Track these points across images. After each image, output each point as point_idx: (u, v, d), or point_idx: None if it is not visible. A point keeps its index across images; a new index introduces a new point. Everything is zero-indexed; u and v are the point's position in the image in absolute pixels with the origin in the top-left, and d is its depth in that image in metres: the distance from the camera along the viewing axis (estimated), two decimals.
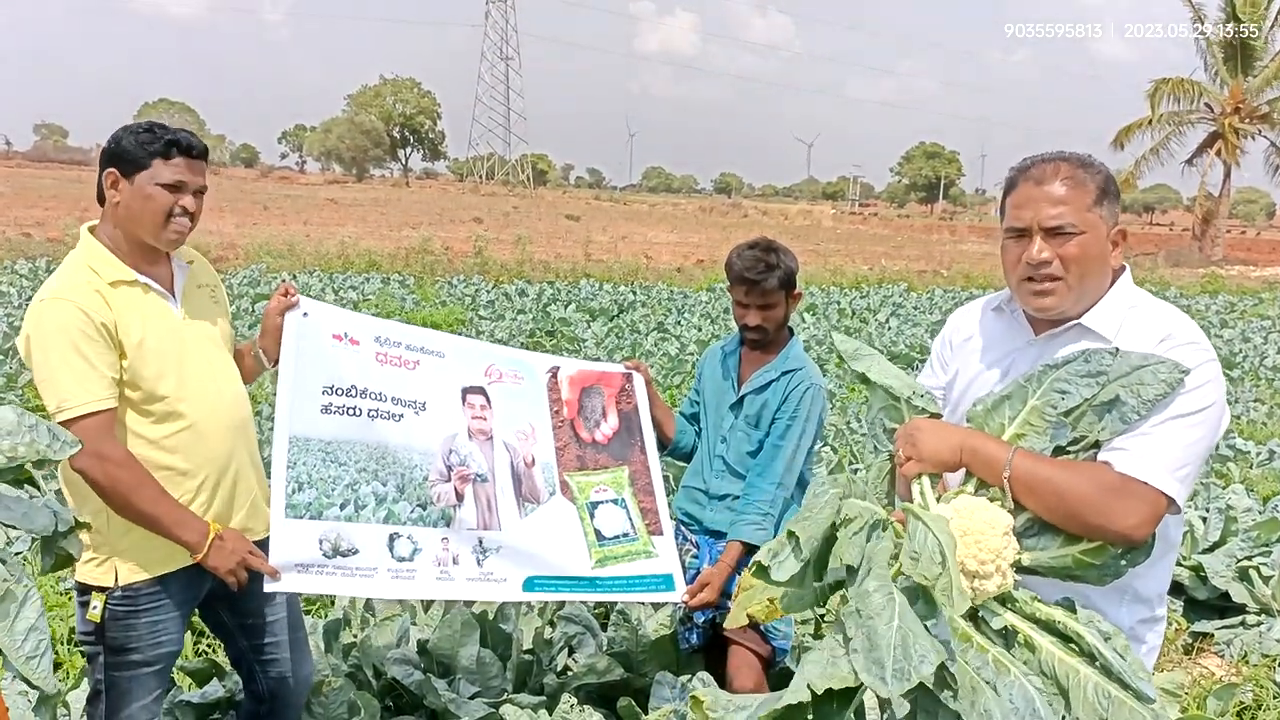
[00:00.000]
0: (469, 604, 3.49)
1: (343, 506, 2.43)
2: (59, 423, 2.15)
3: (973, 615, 1.64)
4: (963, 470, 1.79)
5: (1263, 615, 4.54)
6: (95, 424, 2.16)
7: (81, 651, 2.38)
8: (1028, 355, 1.91)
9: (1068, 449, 1.71)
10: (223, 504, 2.40)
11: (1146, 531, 1.65)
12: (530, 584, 2.63)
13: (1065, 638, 1.59)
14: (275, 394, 2.48)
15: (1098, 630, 1.58)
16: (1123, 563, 1.67)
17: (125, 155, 2.25)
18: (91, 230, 2.34)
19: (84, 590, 2.30)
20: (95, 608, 2.27)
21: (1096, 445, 1.71)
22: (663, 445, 3.14)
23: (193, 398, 2.33)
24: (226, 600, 2.51)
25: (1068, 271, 1.81)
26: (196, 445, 2.33)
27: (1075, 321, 1.85)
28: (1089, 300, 1.85)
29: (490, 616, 3.46)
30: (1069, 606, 1.66)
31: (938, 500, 1.76)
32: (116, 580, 2.28)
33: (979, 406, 1.81)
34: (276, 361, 2.56)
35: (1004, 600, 1.65)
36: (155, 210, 2.25)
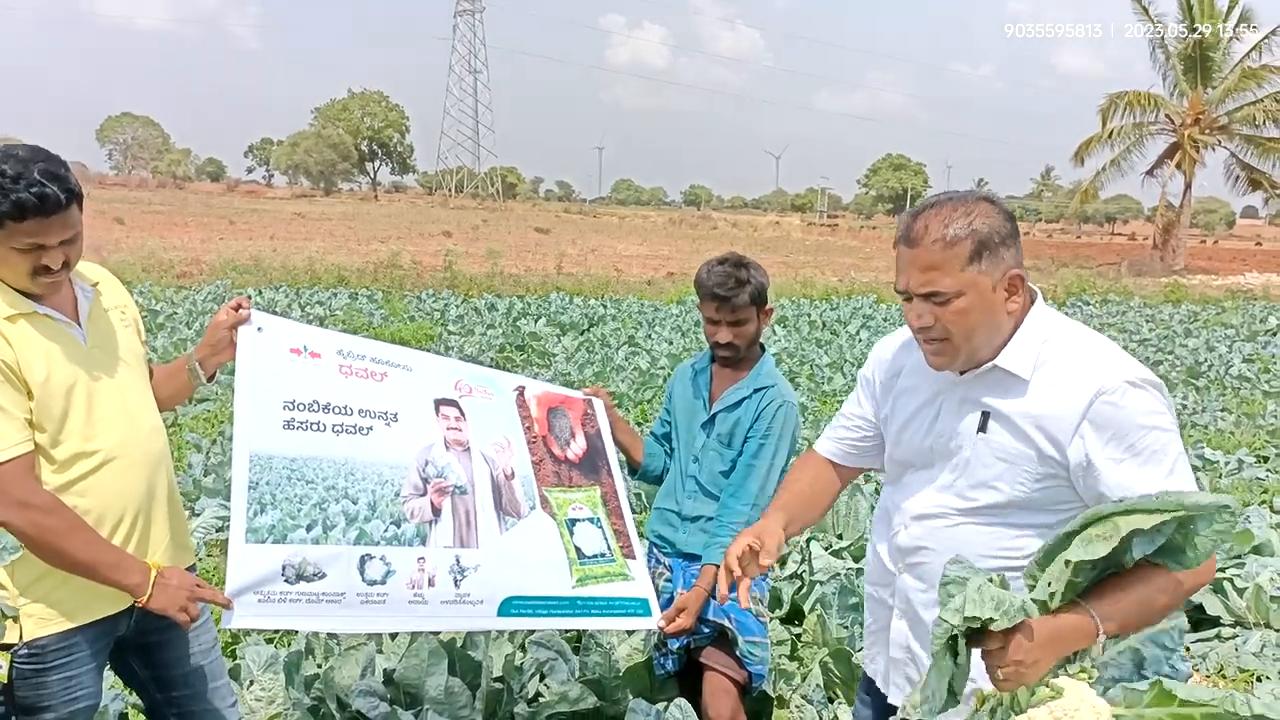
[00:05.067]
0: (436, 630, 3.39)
1: (309, 528, 2.26)
2: None
3: None
4: None
5: (1238, 628, 4.53)
6: (13, 470, 1.99)
7: None
8: (955, 394, 1.90)
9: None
10: (139, 545, 2.21)
11: (1212, 572, 1.68)
12: (506, 607, 2.51)
13: None
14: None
15: None
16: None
17: None
18: None
19: None
20: (0, 667, 2.08)
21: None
22: (632, 470, 3.06)
23: (104, 433, 2.14)
24: (139, 649, 2.34)
25: (951, 334, 1.79)
26: (110, 484, 2.14)
27: (992, 363, 1.83)
28: (995, 343, 1.82)
29: (459, 643, 3.36)
30: None
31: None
32: (21, 636, 2.09)
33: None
34: (212, 377, 2.44)
35: None
36: (16, 272, 2.04)
